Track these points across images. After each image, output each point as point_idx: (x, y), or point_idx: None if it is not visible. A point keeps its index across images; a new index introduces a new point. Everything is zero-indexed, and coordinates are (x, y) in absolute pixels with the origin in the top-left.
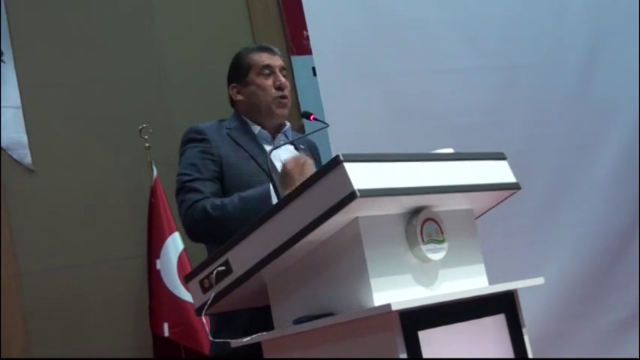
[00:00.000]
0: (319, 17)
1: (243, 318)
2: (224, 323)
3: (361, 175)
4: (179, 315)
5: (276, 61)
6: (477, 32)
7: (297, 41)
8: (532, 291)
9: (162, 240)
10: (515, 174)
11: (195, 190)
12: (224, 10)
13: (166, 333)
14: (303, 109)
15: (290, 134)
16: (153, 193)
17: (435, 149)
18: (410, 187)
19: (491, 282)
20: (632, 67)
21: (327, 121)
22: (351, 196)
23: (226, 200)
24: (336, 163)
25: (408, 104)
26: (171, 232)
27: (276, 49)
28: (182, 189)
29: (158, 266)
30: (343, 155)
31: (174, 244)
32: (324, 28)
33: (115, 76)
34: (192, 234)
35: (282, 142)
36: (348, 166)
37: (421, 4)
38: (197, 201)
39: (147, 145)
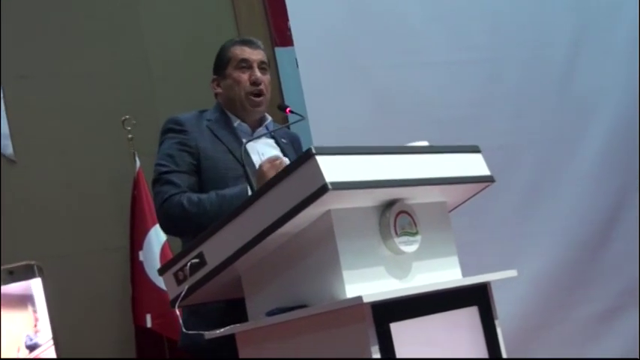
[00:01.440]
0: (301, 9)
1: (215, 310)
2: (196, 315)
3: (334, 168)
4: (162, 306)
5: (256, 55)
6: (460, 25)
7: (280, 32)
8: (512, 283)
9: (144, 231)
10: (498, 167)
11: (172, 183)
12: (208, 2)
13: (149, 324)
14: (286, 100)
15: (271, 127)
16: (136, 184)
17: (418, 142)
18: (383, 179)
19: (472, 274)
20: (614, 61)
21: (308, 113)
22: (323, 188)
23: (203, 196)
24: (308, 156)
25: (391, 97)
26: (154, 224)
27: (259, 43)
28: (158, 180)
29: (141, 257)
30: (316, 148)
31: (157, 235)
32: (306, 20)
33: (98, 67)
34: (166, 228)
35: (258, 135)
36: (321, 159)
37: None
38: (173, 195)
39: (130, 136)
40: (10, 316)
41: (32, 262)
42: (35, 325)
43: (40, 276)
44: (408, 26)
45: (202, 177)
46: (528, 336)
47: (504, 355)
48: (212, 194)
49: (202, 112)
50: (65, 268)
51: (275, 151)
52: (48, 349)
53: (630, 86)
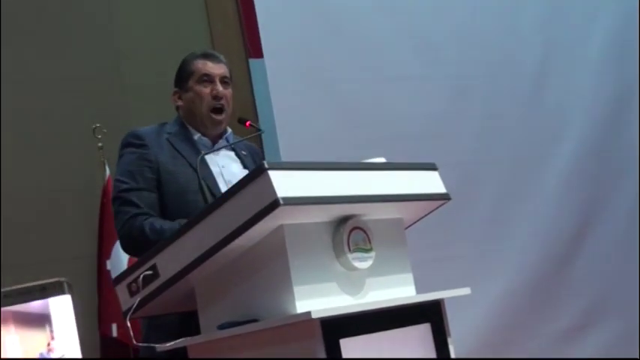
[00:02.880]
0: (271, 21)
1: (172, 322)
2: (153, 327)
3: (286, 183)
4: None
5: (218, 70)
6: (428, 41)
7: (255, 44)
8: (478, 300)
9: (113, 240)
10: (464, 183)
11: (132, 203)
12: (183, 11)
13: (114, 334)
14: (258, 111)
15: (232, 140)
16: (105, 193)
17: (375, 158)
18: (336, 195)
19: (436, 291)
20: (582, 78)
21: (277, 125)
22: (275, 203)
23: (166, 226)
24: (260, 170)
25: (359, 111)
26: None
27: (221, 57)
28: (118, 198)
29: (108, 267)
30: (268, 163)
31: None
32: (275, 33)
33: (70, 74)
34: (126, 248)
35: (218, 148)
36: (273, 174)
37: (374, 12)
38: (134, 216)
39: (100, 144)
40: (27, 335)
41: (63, 279)
42: (49, 344)
43: (69, 293)
44: (375, 41)
45: (162, 190)
46: (494, 352)
47: None
48: (175, 224)
49: (163, 125)
50: (33, 275)
51: (235, 164)
52: None
53: (599, 102)
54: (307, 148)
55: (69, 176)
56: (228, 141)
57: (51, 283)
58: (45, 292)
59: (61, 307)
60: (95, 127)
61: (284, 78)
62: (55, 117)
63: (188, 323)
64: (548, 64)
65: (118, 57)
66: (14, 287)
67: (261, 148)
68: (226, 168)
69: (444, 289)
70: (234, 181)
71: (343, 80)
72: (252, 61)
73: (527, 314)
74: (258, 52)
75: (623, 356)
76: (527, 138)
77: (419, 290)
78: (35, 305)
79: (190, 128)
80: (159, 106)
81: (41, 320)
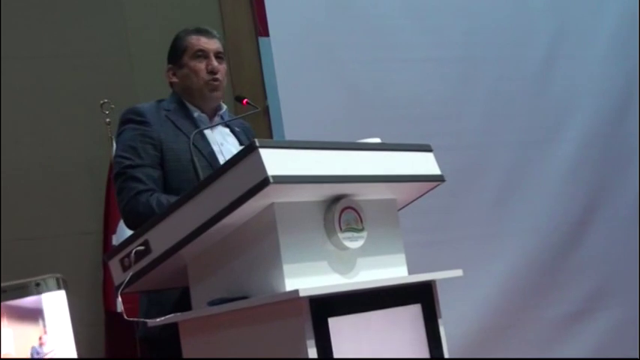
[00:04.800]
0: (278, 1)
1: (172, 297)
2: (154, 302)
3: (277, 162)
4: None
5: (212, 45)
6: (437, 23)
7: (264, 23)
8: (480, 283)
9: (118, 216)
10: (470, 165)
11: (137, 179)
12: None
13: (120, 309)
14: (267, 89)
15: (226, 116)
16: (111, 168)
17: (370, 139)
18: (327, 175)
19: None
20: (591, 64)
21: (282, 104)
22: (265, 181)
23: (173, 200)
24: (252, 148)
25: (365, 93)
26: None
27: (214, 32)
28: (122, 174)
29: (114, 242)
30: (259, 141)
31: None
32: (283, 12)
33: (79, 50)
34: (132, 225)
35: (214, 125)
36: (264, 152)
37: None
38: (140, 192)
39: (108, 120)
40: (21, 329)
41: (58, 275)
42: (40, 338)
43: (64, 288)
44: (384, 22)
45: (166, 168)
46: (494, 335)
47: (446, 355)
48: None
49: (160, 101)
50: (40, 251)
51: (232, 140)
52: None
53: (606, 89)
54: (313, 127)
55: (76, 152)
56: (223, 118)
57: (46, 278)
58: (39, 287)
59: (55, 303)
60: (103, 103)
61: (291, 57)
62: (62, 93)
63: (188, 299)
64: (557, 49)
65: (127, 34)
66: (10, 283)
67: (269, 127)
68: (224, 146)
69: (441, 270)
70: (220, 157)
71: (350, 60)
72: (263, 40)
73: (528, 298)
74: (266, 31)
75: (624, 341)
76: (533, 122)
77: (421, 271)
78: (29, 300)
79: (188, 105)
80: (166, 84)
81: (34, 315)
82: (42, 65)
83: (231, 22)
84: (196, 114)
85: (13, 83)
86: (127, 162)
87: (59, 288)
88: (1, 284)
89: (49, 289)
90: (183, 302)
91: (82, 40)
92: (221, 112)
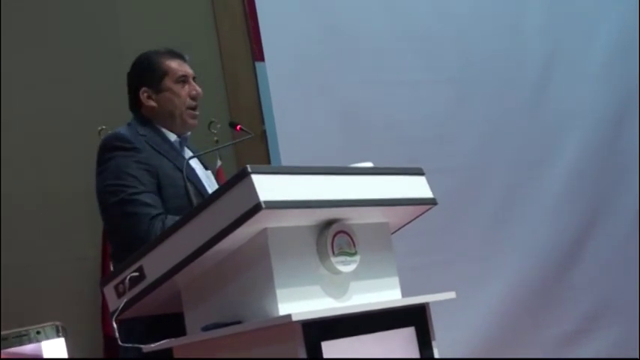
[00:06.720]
0: (273, 25)
1: (143, 324)
2: (126, 329)
3: (269, 187)
4: None
5: (190, 70)
6: (431, 46)
7: (260, 47)
8: (478, 304)
9: None
10: (466, 187)
11: (148, 205)
12: (190, 13)
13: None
14: (264, 114)
15: (188, 139)
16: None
17: (362, 163)
18: (319, 199)
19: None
20: (585, 85)
21: (277, 128)
22: (257, 207)
23: None
24: (244, 174)
25: (360, 115)
26: None
27: (187, 57)
28: (130, 202)
29: (112, 268)
30: (251, 167)
31: None
32: (277, 36)
33: (77, 76)
34: None
35: (201, 153)
36: (256, 178)
37: (375, 17)
38: (156, 216)
39: None
40: None
41: (57, 323)
42: None
43: (63, 336)
44: (377, 45)
45: (162, 196)
46: (492, 356)
47: None
48: None
49: (129, 126)
50: (38, 276)
51: (198, 166)
52: None
53: (601, 109)
54: (308, 152)
55: (73, 177)
56: (185, 140)
57: (46, 326)
58: (40, 335)
59: (55, 350)
60: (101, 130)
61: (286, 81)
62: (58, 117)
63: (158, 326)
64: (551, 69)
65: (124, 59)
66: (11, 331)
67: (267, 152)
68: (199, 170)
69: (440, 292)
70: (204, 183)
71: (345, 84)
72: (259, 64)
73: (527, 318)
74: (262, 55)
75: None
76: (528, 143)
77: (417, 294)
78: (29, 347)
79: (163, 130)
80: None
81: None
82: (39, 90)
83: (229, 46)
84: (173, 138)
85: (10, 107)
86: (131, 190)
87: (58, 336)
88: (2, 332)
89: (48, 337)
90: (154, 326)
91: (79, 65)
92: (185, 135)
